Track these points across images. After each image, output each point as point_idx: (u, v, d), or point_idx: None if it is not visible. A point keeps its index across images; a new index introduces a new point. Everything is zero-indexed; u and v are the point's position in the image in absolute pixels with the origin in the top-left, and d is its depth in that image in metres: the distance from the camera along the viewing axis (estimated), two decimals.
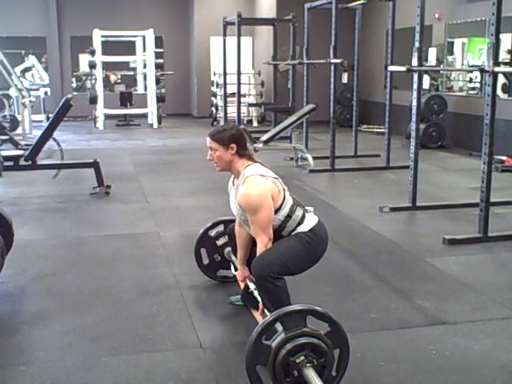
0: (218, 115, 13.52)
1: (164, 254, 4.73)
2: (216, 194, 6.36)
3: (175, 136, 11.97)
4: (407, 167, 6.22)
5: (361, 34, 9.67)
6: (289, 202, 3.07)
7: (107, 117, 13.65)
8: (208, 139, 3.09)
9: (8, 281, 4.04)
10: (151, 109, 13.66)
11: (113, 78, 16.11)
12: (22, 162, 6.58)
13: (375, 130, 12.59)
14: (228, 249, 3.82)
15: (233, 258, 3.71)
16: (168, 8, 15.63)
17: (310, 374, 2.48)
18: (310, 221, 3.11)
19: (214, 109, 13.83)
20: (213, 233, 3.93)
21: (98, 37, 12.98)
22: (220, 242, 3.90)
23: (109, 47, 14.14)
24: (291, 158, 8.78)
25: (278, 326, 2.60)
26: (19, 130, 11.19)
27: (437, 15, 10.59)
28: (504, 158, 8.26)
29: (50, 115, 8.67)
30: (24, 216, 5.79)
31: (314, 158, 8.27)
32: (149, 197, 6.67)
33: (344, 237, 5.10)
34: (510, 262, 4.59)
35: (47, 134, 6.79)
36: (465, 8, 10.05)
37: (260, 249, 2.99)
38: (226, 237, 3.75)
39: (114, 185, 6.93)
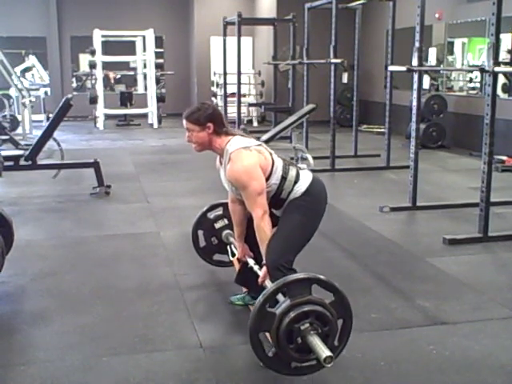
0: None
1: (164, 253, 4.73)
2: (216, 194, 6.32)
3: (175, 136, 11.97)
4: (407, 167, 6.22)
5: (361, 33, 9.67)
6: (279, 164, 3.05)
7: (107, 117, 13.65)
8: (184, 121, 3.07)
9: (8, 281, 4.04)
10: (151, 109, 13.66)
11: (112, 75, 16.10)
12: (22, 162, 6.58)
13: (375, 129, 12.58)
14: (226, 232, 3.76)
15: (231, 239, 3.66)
16: (168, 8, 15.63)
17: (315, 340, 2.47)
18: (306, 178, 3.09)
19: None
20: (212, 215, 3.86)
21: (98, 37, 12.98)
22: (218, 225, 3.82)
23: (109, 47, 14.15)
24: (291, 158, 8.77)
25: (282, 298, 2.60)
26: (19, 130, 11.19)
27: (437, 15, 10.59)
28: (504, 157, 8.26)
29: (50, 115, 8.67)
30: (24, 216, 5.79)
31: (314, 158, 8.26)
32: (149, 197, 6.67)
33: (344, 237, 5.10)
34: (511, 261, 4.59)
35: (47, 134, 6.78)
36: (465, 8, 10.05)
37: (256, 223, 2.96)
38: (225, 220, 3.71)
39: (114, 185, 6.92)
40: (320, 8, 9.27)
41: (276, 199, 3.06)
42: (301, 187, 3.04)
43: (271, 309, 2.54)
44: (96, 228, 5.49)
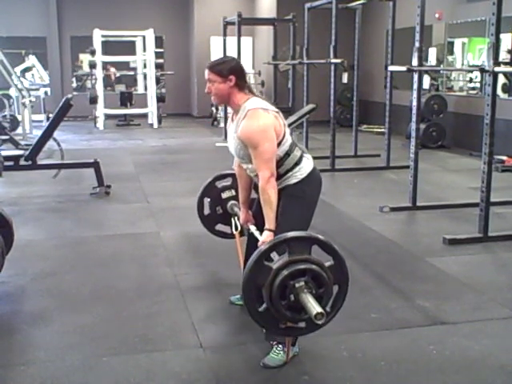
0: (218, 115, 13.51)
1: (164, 253, 4.73)
2: None
3: (175, 136, 11.97)
4: (407, 167, 6.22)
5: (361, 33, 9.67)
6: (289, 139, 3.04)
7: (107, 117, 13.64)
8: (206, 71, 3.02)
9: (8, 281, 4.04)
10: (151, 109, 13.66)
11: (113, 70, 16.09)
12: (22, 162, 6.58)
13: (375, 129, 12.58)
14: (232, 202, 3.70)
15: (235, 209, 3.60)
16: (168, 8, 15.63)
17: (308, 297, 2.45)
18: (307, 165, 3.09)
19: (214, 109, 13.83)
20: (220, 185, 3.80)
21: (98, 37, 12.98)
22: (225, 195, 3.76)
23: (109, 47, 14.15)
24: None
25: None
26: (19, 130, 11.19)
27: (437, 15, 10.59)
28: (504, 157, 8.25)
29: (50, 115, 8.67)
30: (24, 216, 5.79)
31: (314, 158, 8.22)
32: (149, 197, 6.67)
33: (344, 237, 5.10)
34: (511, 261, 4.59)
35: (47, 134, 6.79)
36: (465, 8, 10.05)
37: (262, 185, 2.90)
38: (233, 191, 3.68)
39: (114, 185, 6.92)
40: (320, 8, 9.27)
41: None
42: (300, 171, 3.03)
43: (269, 263, 2.52)
44: (96, 228, 5.49)
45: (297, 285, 2.47)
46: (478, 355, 3.03)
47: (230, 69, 2.99)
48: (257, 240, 3.00)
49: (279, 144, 2.97)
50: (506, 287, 4.01)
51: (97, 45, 12.98)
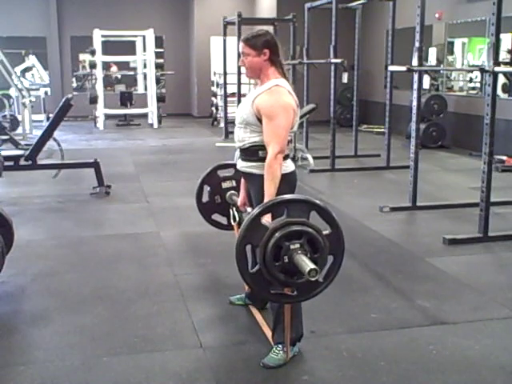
0: (218, 115, 13.51)
1: (164, 253, 4.73)
2: None
3: (175, 136, 11.97)
4: (407, 167, 6.22)
5: (361, 33, 9.67)
6: (290, 135, 3.04)
7: (107, 117, 13.64)
8: (241, 44, 3.03)
9: (8, 281, 4.04)
10: (151, 109, 13.66)
11: (114, 69, 16.09)
12: (22, 162, 6.58)
13: (375, 129, 12.58)
14: (231, 192, 3.68)
15: (234, 198, 3.57)
16: (168, 8, 15.63)
17: (301, 257, 2.42)
18: (290, 165, 3.05)
19: (214, 109, 13.83)
20: (221, 174, 3.78)
21: (98, 37, 12.98)
22: (225, 185, 3.74)
23: (109, 47, 14.15)
24: (292, 158, 8.76)
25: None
26: (19, 130, 11.20)
27: (437, 15, 10.59)
28: (504, 157, 8.26)
29: (51, 115, 8.67)
30: (24, 216, 5.79)
31: (315, 158, 8.27)
32: (149, 197, 6.67)
33: (344, 237, 5.09)
34: (511, 261, 4.59)
35: (47, 134, 6.79)
36: (465, 8, 10.05)
37: (269, 159, 2.85)
38: (233, 181, 3.66)
39: (114, 185, 6.93)
40: (320, 8, 9.28)
41: (258, 149, 2.98)
42: (284, 165, 2.97)
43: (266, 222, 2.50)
44: (96, 228, 5.49)
45: (292, 246, 2.44)
46: (477, 355, 3.03)
47: (264, 42, 2.99)
48: None
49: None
50: (506, 287, 4.01)
51: (97, 45, 12.98)
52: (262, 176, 2.91)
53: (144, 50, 14.35)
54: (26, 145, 7.82)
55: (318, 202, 2.58)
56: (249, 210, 3.23)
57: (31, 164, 6.61)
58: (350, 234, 5.28)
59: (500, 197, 5.97)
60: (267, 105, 2.91)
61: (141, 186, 7.26)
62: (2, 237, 3.70)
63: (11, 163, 6.47)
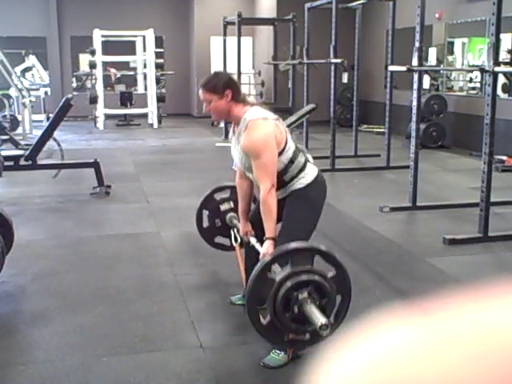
0: None
1: (164, 253, 4.73)
2: None
3: (175, 136, 11.97)
4: (407, 167, 6.22)
5: (361, 33, 9.67)
6: (292, 146, 3.05)
7: (107, 117, 13.64)
8: (201, 91, 3.02)
9: (8, 281, 4.04)
10: (151, 109, 13.66)
11: (113, 71, 16.09)
12: (22, 162, 6.58)
13: (375, 129, 12.58)
14: (230, 214, 3.71)
15: (235, 221, 3.61)
16: (168, 8, 15.63)
17: (311, 308, 2.46)
18: (312, 170, 3.09)
19: None
20: (218, 197, 3.83)
21: (98, 37, 12.98)
22: (223, 207, 3.78)
23: (109, 47, 14.15)
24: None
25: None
26: (19, 130, 11.19)
27: (437, 15, 10.59)
28: (504, 157, 8.26)
29: (51, 115, 8.67)
30: (24, 216, 5.79)
31: (315, 158, 8.20)
32: (149, 197, 6.67)
33: (344, 237, 5.10)
34: (511, 261, 4.59)
35: (47, 134, 6.79)
36: (465, 8, 10.05)
37: (263, 195, 2.90)
38: (231, 203, 3.69)
39: (114, 185, 6.92)
40: (320, 8, 9.27)
41: (279, 181, 3.01)
42: (305, 178, 3.04)
43: (271, 274, 2.53)
44: (96, 228, 5.49)
45: (300, 296, 2.49)
46: None
47: (224, 84, 2.99)
48: (256, 250, 3.00)
49: (282, 151, 2.97)
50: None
51: (97, 45, 12.98)
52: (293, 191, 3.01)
53: (144, 50, 14.35)
54: (26, 145, 7.82)
55: (321, 247, 2.61)
56: (252, 239, 3.27)
57: (31, 164, 6.61)
58: (350, 234, 5.29)
59: (500, 197, 5.97)
60: (249, 146, 2.91)
61: (141, 185, 7.26)
62: (2, 237, 3.71)
63: (11, 163, 6.47)
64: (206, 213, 3.87)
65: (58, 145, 7.48)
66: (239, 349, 3.12)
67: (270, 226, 2.90)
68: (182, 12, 15.68)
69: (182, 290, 3.93)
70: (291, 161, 3.01)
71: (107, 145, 10.96)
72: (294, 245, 2.58)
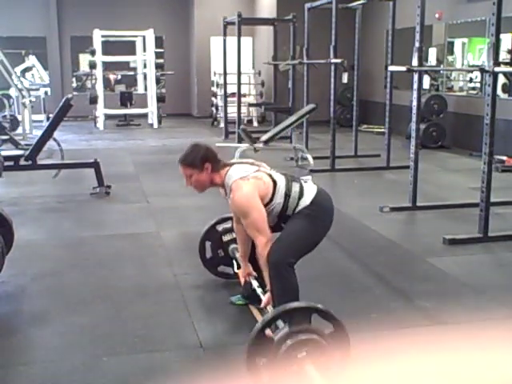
0: (218, 115, 13.51)
1: (164, 253, 4.73)
2: (216, 194, 6.33)
3: (175, 136, 11.96)
4: (407, 167, 6.22)
5: (361, 33, 9.67)
6: (281, 183, 3.08)
7: (107, 117, 13.64)
8: (180, 167, 3.08)
9: (8, 281, 4.04)
10: (151, 109, 13.66)
11: (112, 77, 16.10)
12: (22, 162, 6.57)
13: (375, 129, 12.58)
14: (233, 245, 3.80)
15: (237, 254, 3.70)
16: (168, 8, 15.62)
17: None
18: (310, 191, 3.11)
19: (214, 109, 13.83)
20: (220, 228, 3.91)
21: (98, 37, 12.98)
22: (226, 238, 3.88)
23: (109, 47, 14.14)
24: (291, 158, 8.77)
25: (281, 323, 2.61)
26: (19, 130, 11.18)
27: (437, 15, 10.59)
28: (504, 157, 8.25)
29: (51, 115, 8.67)
30: (24, 216, 5.79)
31: (314, 158, 8.27)
32: (149, 197, 6.67)
33: (344, 237, 5.10)
34: (510, 262, 4.59)
35: (47, 134, 6.79)
36: (465, 8, 10.05)
37: (260, 251, 2.98)
38: (233, 233, 3.73)
39: (114, 185, 6.92)
40: (320, 8, 9.27)
41: (282, 216, 3.09)
42: (306, 201, 3.07)
43: (270, 334, 2.56)
44: (96, 228, 5.49)
45: (299, 355, 2.51)
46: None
47: (201, 158, 3.04)
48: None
49: (273, 195, 3.03)
50: (505, 287, 4.01)
51: (97, 45, 12.98)
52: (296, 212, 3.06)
53: (144, 50, 14.35)
54: (26, 145, 7.81)
55: (319, 306, 2.62)
56: (254, 283, 3.34)
57: (31, 164, 6.61)
58: (350, 234, 5.29)
59: (500, 197, 5.97)
60: (237, 207, 3.01)
61: (141, 185, 7.26)
62: (2, 237, 3.71)
63: (11, 163, 6.47)
64: (208, 243, 3.96)
65: (58, 145, 7.49)
66: (239, 349, 3.11)
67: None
68: (182, 12, 15.68)
69: (182, 289, 3.93)
70: (286, 195, 3.06)
71: (107, 145, 10.96)
72: (292, 305, 2.62)
